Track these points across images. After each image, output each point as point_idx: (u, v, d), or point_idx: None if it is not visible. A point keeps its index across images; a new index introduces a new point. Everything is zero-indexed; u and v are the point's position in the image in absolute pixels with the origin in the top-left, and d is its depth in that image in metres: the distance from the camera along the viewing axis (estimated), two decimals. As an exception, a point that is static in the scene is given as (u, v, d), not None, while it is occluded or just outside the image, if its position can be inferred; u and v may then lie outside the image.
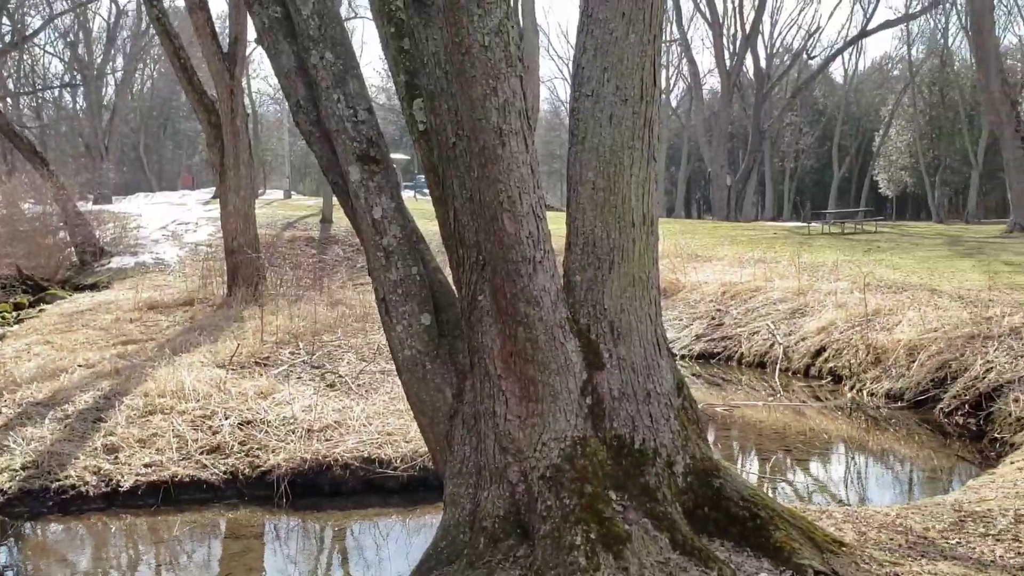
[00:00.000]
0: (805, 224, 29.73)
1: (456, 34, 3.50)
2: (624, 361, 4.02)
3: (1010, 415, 8.32)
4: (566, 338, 3.90)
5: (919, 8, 46.94)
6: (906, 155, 50.41)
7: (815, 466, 8.45)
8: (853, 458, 8.83)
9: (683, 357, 13.92)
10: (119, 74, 51.42)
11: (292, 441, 7.75)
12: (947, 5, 45.01)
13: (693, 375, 12.93)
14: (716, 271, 17.71)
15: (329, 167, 4.51)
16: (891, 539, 4.42)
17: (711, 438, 9.55)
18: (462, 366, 4.23)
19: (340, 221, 25.30)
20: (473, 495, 4.06)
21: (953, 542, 4.52)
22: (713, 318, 14.90)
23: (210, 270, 18.34)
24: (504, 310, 3.84)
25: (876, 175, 54.17)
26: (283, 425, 8.12)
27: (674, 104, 62.43)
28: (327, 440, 7.79)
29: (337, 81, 4.31)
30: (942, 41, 50.13)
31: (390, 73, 5.06)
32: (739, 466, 8.53)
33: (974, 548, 4.43)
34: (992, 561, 4.24)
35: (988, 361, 9.61)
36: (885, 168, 52.70)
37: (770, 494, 7.32)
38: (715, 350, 13.88)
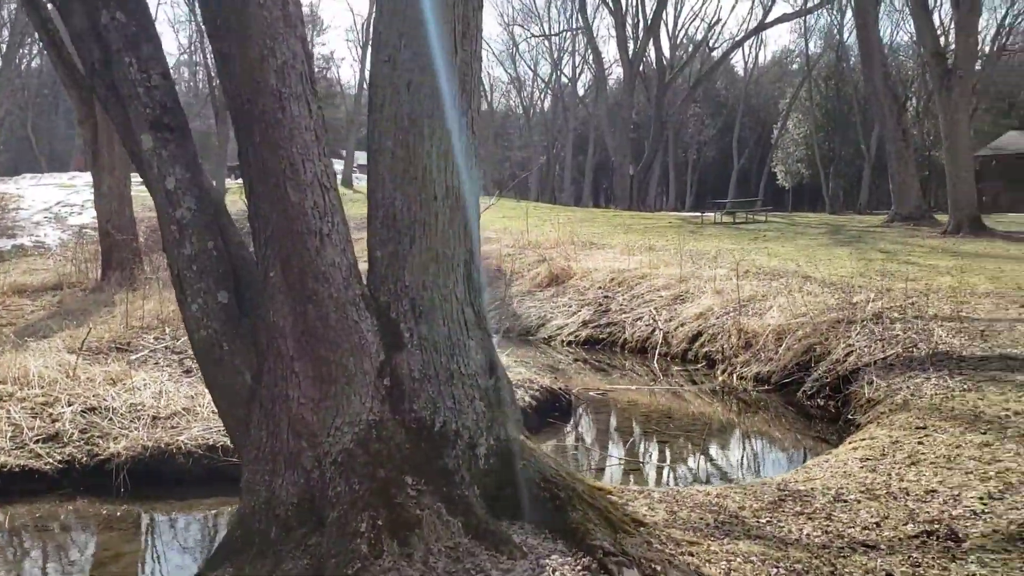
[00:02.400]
0: (700, 214, 30.25)
1: (231, -10, 3.27)
2: (426, 341, 3.86)
3: (863, 397, 8.51)
4: (360, 316, 3.72)
5: (815, 2, 48.13)
6: (802, 147, 51.87)
7: (677, 447, 8.49)
8: (715, 439, 8.90)
9: (570, 343, 13.99)
10: (3, 48, 48.90)
11: (136, 429, 7.42)
12: (842, 1, 46.27)
13: (578, 360, 12.97)
14: (607, 259, 17.88)
15: (125, 135, 4.21)
16: (701, 518, 4.38)
17: (585, 422, 9.57)
18: (263, 347, 4.00)
19: (233, 204, 24.45)
20: (269, 482, 3.86)
21: (764, 521, 4.51)
22: (600, 304, 15.00)
23: (87, 253, 17.64)
24: (293, 286, 3.64)
25: (774, 167, 55.59)
26: (129, 412, 7.79)
27: (581, 93, 62.91)
28: (172, 428, 7.49)
29: (129, 44, 4.02)
30: (838, 36, 51.66)
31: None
32: (603, 448, 8.52)
33: (783, 527, 4.43)
34: (796, 539, 4.24)
35: (849, 345, 9.85)
36: (783, 160, 54.14)
37: (632, 476, 7.34)
38: (601, 336, 13.96)
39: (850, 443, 6.73)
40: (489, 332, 4.36)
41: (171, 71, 4.35)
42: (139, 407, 7.85)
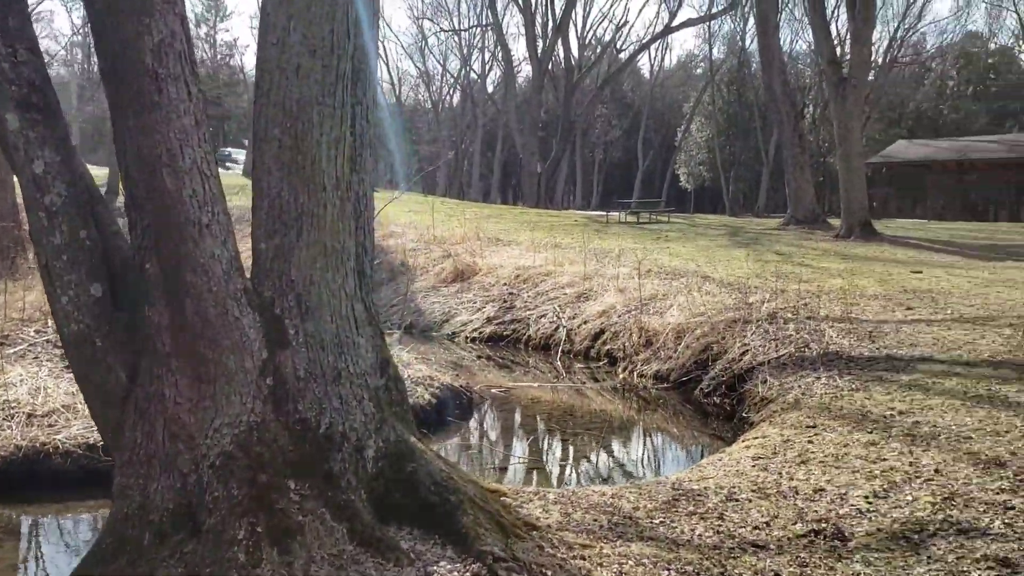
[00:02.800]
0: (605, 213, 30.61)
1: (102, -40, 3.05)
2: (312, 338, 3.70)
3: (757, 395, 8.67)
4: (242, 312, 3.53)
5: (719, 8, 49.24)
6: (705, 150, 53.04)
7: (578, 445, 8.49)
8: (615, 437, 8.95)
9: (475, 340, 13.91)
10: None
11: (8, 427, 7.02)
12: (745, 8, 47.42)
13: (482, 357, 12.90)
14: (513, 255, 17.86)
15: (-10, 115, 3.91)
16: (595, 520, 4.35)
17: (487, 420, 9.49)
18: (138, 343, 3.77)
19: (126, 193, 23.59)
20: (143, 487, 3.64)
21: (657, 521, 4.51)
22: (505, 301, 14.98)
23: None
24: (170, 279, 3.43)
25: (677, 169, 56.70)
26: (2, 409, 7.36)
27: (490, 89, 62.90)
28: (50, 426, 7.11)
29: (-8, 14, 3.73)
30: (740, 43, 52.97)
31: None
32: (505, 446, 8.46)
33: (676, 527, 4.43)
34: (689, 540, 4.24)
35: (745, 344, 10.03)
36: (685, 162, 55.26)
37: (535, 473, 7.29)
38: (505, 332, 13.95)
39: (743, 441, 6.82)
40: (381, 330, 4.22)
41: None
42: (13, 404, 7.46)
